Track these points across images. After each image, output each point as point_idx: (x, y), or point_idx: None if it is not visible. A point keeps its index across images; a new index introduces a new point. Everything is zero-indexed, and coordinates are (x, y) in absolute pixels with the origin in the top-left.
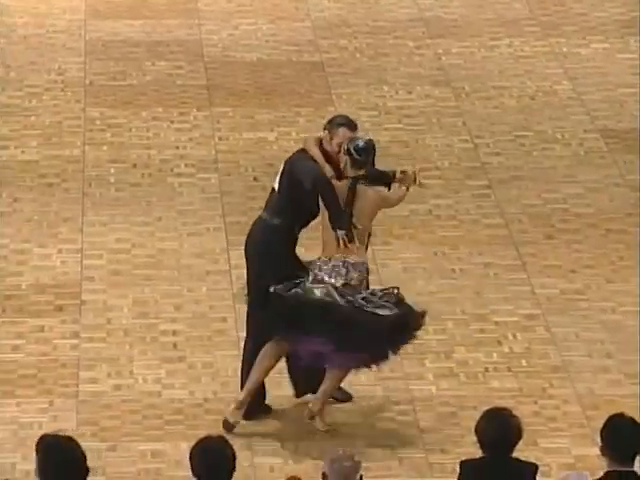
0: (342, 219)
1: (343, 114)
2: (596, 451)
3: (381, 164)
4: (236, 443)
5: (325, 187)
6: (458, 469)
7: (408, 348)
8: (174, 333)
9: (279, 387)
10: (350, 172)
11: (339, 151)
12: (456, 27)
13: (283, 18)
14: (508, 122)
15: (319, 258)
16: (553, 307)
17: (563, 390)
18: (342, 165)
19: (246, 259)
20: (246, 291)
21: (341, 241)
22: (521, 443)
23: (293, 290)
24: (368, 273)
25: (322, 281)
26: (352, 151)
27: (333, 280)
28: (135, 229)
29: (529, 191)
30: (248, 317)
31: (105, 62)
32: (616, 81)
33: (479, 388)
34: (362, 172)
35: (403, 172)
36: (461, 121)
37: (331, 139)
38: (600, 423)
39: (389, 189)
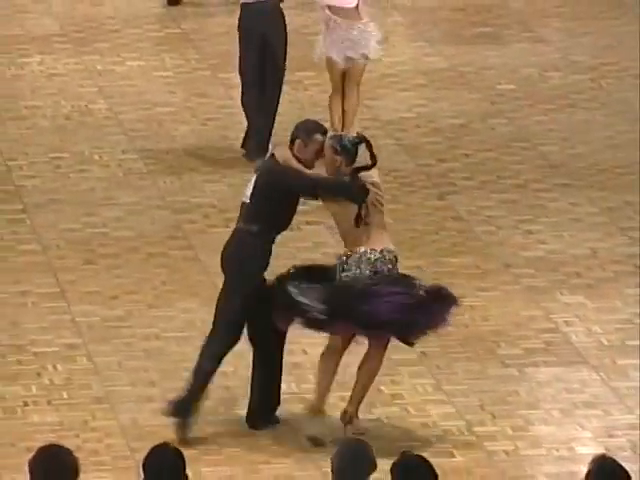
0: (348, 187)
1: (311, 120)
2: None
3: None
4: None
5: (309, 181)
6: None
7: None
8: None
9: None
10: (345, 170)
11: (316, 158)
12: None
13: None
14: (43, 143)
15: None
16: (95, 335)
17: (106, 422)
18: (331, 167)
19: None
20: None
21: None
22: None
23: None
24: (397, 260)
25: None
26: (348, 147)
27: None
28: None
29: (67, 215)
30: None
31: None
32: (153, 100)
33: (17, 424)
34: (355, 165)
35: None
36: None
37: (306, 146)
38: (144, 454)
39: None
